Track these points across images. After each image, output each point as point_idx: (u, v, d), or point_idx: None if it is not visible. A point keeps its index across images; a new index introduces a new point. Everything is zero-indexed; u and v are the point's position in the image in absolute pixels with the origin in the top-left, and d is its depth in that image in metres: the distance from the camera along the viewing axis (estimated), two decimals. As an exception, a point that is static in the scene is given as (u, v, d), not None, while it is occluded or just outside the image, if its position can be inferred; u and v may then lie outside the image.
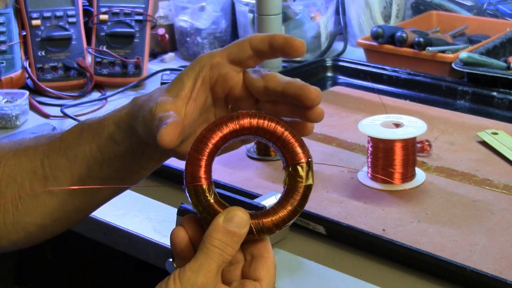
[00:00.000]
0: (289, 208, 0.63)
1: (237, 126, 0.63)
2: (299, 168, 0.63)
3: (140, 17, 1.55)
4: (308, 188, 0.63)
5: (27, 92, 1.39)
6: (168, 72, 1.52)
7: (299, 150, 0.63)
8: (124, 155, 0.72)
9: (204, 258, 0.60)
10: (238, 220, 0.61)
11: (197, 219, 0.64)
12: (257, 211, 0.63)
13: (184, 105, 0.67)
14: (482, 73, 1.34)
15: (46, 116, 1.40)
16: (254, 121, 0.63)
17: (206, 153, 0.62)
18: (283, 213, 0.63)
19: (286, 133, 0.63)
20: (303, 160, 0.63)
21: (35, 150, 0.76)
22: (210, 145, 0.62)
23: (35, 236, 0.78)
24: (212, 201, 0.62)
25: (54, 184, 0.75)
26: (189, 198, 0.62)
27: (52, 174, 0.75)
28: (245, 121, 0.63)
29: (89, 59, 1.53)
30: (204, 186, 0.62)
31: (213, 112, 0.70)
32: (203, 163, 0.62)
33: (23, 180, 0.75)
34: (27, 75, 1.49)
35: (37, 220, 0.76)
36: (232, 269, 0.64)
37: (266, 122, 0.63)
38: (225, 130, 0.62)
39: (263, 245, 0.64)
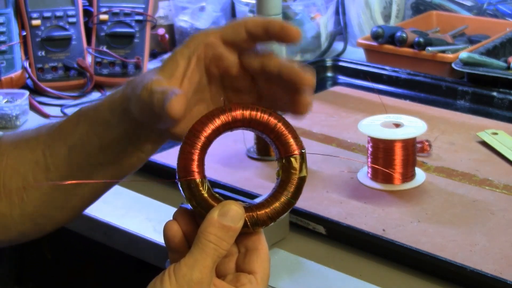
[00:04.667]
0: (283, 200, 0.62)
1: (230, 118, 0.62)
2: (293, 160, 0.62)
3: (140, 17, 1.55)
4: (302, 180, 0.63)
5: (27, 92, 1.39)
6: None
7: (292, 141, 0.63)
8: (121, 139, 0.72)
9: (199, 253, 0.59)
10: (233, 214, 0.60)
11: (190, 212, 0.63)
12: (250, 202, 0.63)
13: (179, 84, 0.66)
14: (482, 73, 1.34)
15: (46, 116, 1.39)
16: (247, 113, 0.62)
17: (199, 147, 0.61)
18: (277, 205, 0.62)
19: (279, 124, 0.62)
20: (296, 151, 0.63)
21: (37, 141, 0.77)
22: (203, 138, 0.61)
23: (42, 225, 0.79)
24: (206, 195, 0.61)
25: (55, 174, 0.75)
26: (182, 193, 0.62)
27: (53, 164, 0.75)
28: (238, 113, 0.62)
29: (89, 59, 1.53)
30: (197, 180, 0.61)
31: (208, 91, 0.69)
32: (195, 157, 0.61)
33: (26, 171, 0.76)
34: (27, 75, 1.49)
35: (42, 210, 0.77)
36: (226, 262, 0.64)
37: (259, 114, 0.62)
38: (217, 122, 0.62)
39: (257, 237, 0.64)
